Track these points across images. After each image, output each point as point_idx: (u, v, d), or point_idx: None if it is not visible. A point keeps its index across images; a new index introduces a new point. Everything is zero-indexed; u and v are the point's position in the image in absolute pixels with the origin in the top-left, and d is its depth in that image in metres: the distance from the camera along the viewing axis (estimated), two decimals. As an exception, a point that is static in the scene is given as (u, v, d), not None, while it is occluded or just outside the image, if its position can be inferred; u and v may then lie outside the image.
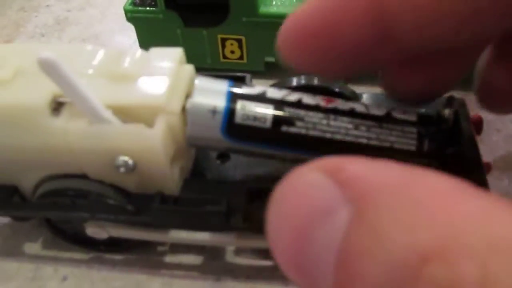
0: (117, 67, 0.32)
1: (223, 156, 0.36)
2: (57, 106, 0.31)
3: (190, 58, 0.34)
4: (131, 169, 0.31)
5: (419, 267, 0.12)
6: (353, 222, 0.14)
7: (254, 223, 0.31)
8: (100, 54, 0.34)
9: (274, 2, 0.48)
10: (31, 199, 0.36)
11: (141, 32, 0.51)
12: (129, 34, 0.58)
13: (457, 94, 0.40)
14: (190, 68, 0.33)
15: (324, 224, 0.14)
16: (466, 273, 0.11)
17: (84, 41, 0.59)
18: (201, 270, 0.37)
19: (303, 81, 0.34)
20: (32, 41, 0.59)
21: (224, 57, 0.51)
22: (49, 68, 0.27)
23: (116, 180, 0.33)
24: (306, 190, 0.15)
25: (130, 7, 0.49)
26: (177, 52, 0.33)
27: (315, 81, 0.34)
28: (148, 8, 0.49)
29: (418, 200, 0.13)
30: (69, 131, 0.31)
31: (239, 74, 0.37)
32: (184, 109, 0.31)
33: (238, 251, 0.37)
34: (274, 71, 0.50)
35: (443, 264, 0.11)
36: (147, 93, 0.31)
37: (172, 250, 0.38)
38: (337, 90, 0.34)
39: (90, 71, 0.32)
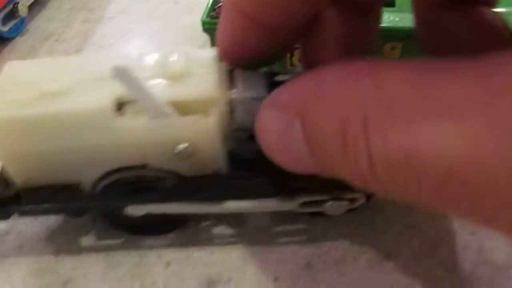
0: (170, 68, 0.36)
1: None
2: (119, 107, 0.35)
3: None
4: (189, 155, 0.36)
5: (340, 129, 0.21)
6: (302, 124, 0.23)
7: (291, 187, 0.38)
8: (151, 57, 0.38)
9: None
10: (92, 193, 0.39)
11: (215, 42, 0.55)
12: (191, 45, 0.62)
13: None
14: (223, 63, 0.37)
15: (290, 132, 0.24)
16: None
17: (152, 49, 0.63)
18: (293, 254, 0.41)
19: None
20: (101, 51, 0.63)
21: (292, 64, 0.56)
22: (122, 74, 0.32)
23: (173, 166, 0.37)
24: (267, 126, 0.26)
25: (208, 19, 0.53)
26: (214, 51, 0.37)
27: None
28: (224, 21, 0.53)
29: (322, 98, 0.23)
30: (135, 127, 0.35)
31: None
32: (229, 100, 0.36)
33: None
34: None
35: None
36: (201, 88, 0.35)
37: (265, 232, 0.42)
38: None
39: (148, 73, 0.36)
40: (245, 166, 0.38)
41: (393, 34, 0.52)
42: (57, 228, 0.45)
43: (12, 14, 0.67)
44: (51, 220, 0.45)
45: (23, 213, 0.41)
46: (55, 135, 0.35)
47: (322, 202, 0.40)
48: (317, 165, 0.25)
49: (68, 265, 0.42)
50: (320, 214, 0.41)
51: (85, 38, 0.67)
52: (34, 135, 0.35)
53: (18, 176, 0.38)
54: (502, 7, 0.49)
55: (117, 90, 0.34)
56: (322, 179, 0.31)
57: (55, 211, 0.41)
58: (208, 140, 0.35)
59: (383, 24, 0.52)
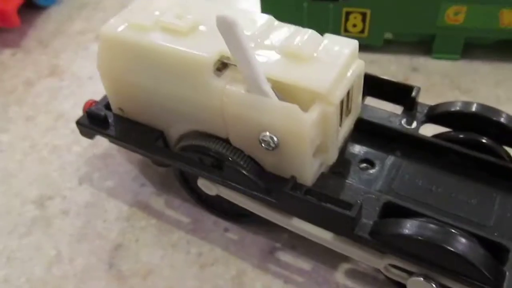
0: (291, 44, 0.32)
1: (368, 162, 0.36)
2: (221, 67, 0.32)
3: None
4: (273, 148, 0.31)
5: None
6: None
7: (380, 240, 0.30)
8: (274, 25, 0.34)
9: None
10: (173, 148, 0.36)
11: (267, 2, 0.52)
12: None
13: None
14: (361, 64, 0.33)
15: None
16: None
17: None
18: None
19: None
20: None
21: (346, 30, 0.52)
22: (225, 27, 0.28)
23: (255, 153, 0.33)
24: None
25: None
26: (353, 44, 0.33)
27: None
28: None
29: None
30: (226, 93, 0.31)
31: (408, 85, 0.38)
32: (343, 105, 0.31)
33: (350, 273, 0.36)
34: (390, 47, 0.52)
35: None
36: (312, 77, 0.30)
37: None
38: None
39: (263, 41, 0.33)
40: (335, 187, 0.32)
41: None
42: (104, 193, 0.42)
43: (48, -18, 0.65)
44: (97, 186, 0.43)
45: (110, 138, 0.39)
46: (154, 70, 0.34)
47: (410, 273, 0.31)
48: None
49: (117, 230, 0.39)
50: None
51: (123, 6, 0.64)
52: (138, 64, 0.34)
53: (113, 101, 0.38)
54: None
55: (226, 48, 0.30)
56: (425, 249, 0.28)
57: (134, 150, 0.39)
58: (298, 138, 0.30)
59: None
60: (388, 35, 0.53)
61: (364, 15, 0.51)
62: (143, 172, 0.43)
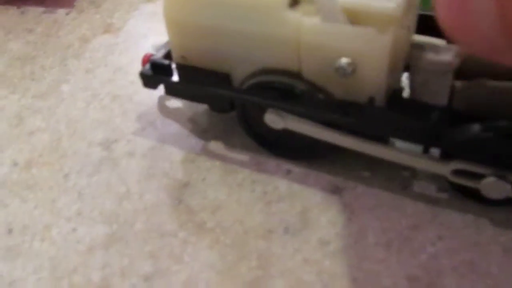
0: None
1: None
2: (294, 1, 0.34)
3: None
4: (349, 73, 0.33)
5: None
6: None
7: (459, 144, 0.33)
8: None
9: None
10: (240, 87, 0.38)
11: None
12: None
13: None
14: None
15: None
16: None
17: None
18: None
19: None
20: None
21: None
22: None
23: (329, 82, 0.34)
24: None
25: None
26: None
27: None
28: None
29: None
30: (303, 24, 0.33)
31: None
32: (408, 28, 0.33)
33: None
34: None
35: None
36: (382, 2, 0.32)
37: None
38: None
39: None
40: (408, 103, 0.34)
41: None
42: (168, 137, 0.44)
43: None
44: (160, 131, 0.45)
45: (170, 90, 0.41)
46: (224, 10, 0.35)
47: (480, 177, 0.33)
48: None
49: (184, 171, 0.41)
50: (475, 196, 0.35)
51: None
52: (203, 4, 0.35)
53: (177, 47, 0.39)
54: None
55: None
56: (491, 148, 0.30)
57: (200, 95, 0.41)
58: (376, 59, 0.32)
59: None
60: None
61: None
62: (204, 119, 0.45)
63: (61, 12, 0.60)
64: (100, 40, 0.56)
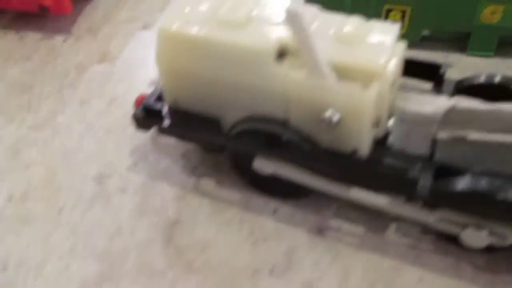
0: (343, 30, 0.35)
1: None
2: (281, 54, 0.35)
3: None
4: (334, 125, 0.34)
5: None
6: None
7: (439, 197, 0.34)
8: (323, 14, 0.37)
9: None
10: (229, 133, 0.39)
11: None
12: None
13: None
14: (402, 46, 0.36)
15: None
16: None
17: None
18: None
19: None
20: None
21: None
22: (294, 18, 0.31)
23: (315, 132, 0.36)
24: None
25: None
26: (396, 28, 0.36)
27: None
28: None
29: None
30: (289, 78, 0.34)
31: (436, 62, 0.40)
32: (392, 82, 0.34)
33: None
34: (427, 43, 0.55)
35: None
36: (368, 58, 0.34)
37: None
38: None
39: (316, 29, 0.36)
40: (391, 154, 0.36)
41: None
42: (159, 173, 0.45)
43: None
44: (152, 166, 0.46)
45: (163, 130, 0.42)
46: (214, 62, 0.36)
47: (462, 226, 0.35)
48: None
49: (174, 207, 0.42)
50: (456, 240, 0.37)
51: (167, -4, 0.67)
52: (195, 56, 0.37)
53: (170, 92, 0.40)
54: None
55: (285, 36, 0.33)
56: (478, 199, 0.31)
57: (191, 138, 0.43)
58: (359, 114, 0.34)
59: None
60: (425, 32, 0.55)
61: (404, 12, 0.53)
62: (195, 155, 0.46)
63: (58, 38, 0.62)
64: (97, 68, 0.57)
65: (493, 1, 0.51)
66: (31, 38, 0.62)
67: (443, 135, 0.35)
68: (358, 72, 0.33)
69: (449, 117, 0.35)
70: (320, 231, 0.40)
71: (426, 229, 0.38)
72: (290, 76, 0.34)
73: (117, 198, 0.43)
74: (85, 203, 0.43)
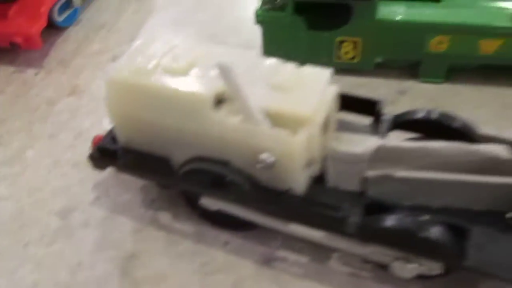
0: (275, 77, 0.38)
1: None
2: (219, 101, 0.38)
3: (307, 58, 0.41)
4: (270, 167, 0.37)
5: None
6: None
7: (367, 234, 0.37)
8: (260, 61, 0.40)
9: (390, 7, 0.54)
10: (177, 171, 0.41)
11: (268, 33, 0.57)
12: (238, 36, 0.65)
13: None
14: (333, 89, 0.39)
15: None
16: None
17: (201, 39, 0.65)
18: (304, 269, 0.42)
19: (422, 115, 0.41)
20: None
21: (338, 57, 0.58)
22: (225, 72, 0.34)
23: (254, 172, 0.38)
24: None
25: (261, 12, 0.55)
26: (327, 73, 0.39)
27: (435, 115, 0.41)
28: (277, 13, 0.55)
29: None
30: (226, 124, 0.37)
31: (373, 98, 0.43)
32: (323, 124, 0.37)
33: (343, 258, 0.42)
34: (380, 71, 0.57)
35: None
36: (297, 104, 0.36)
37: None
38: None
39: (252, 76, 0.38)
40: (324, 192, 0.39)
41: (439, 28, 0.53)
42: (119, 207, 0.48)
43: (67, 4, 0.70)
44: (112, 200, 0.48)
45: (120, 168, 0.45)
46: (158, 108, 0.39)
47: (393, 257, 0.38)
48: None
49: (131, 241, 0.45)
50: (386, 269, 0.39)
51: (137, 28, 0.70)
52: (141, 103, 0.40)
53: (122, 135, 0.43)
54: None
55: (222, 85, 0.36)
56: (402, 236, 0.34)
57: (143, 177, 0.45)
58: (290, 158, 0.36)
59: (430, 18, 0.53)
60: (378, 59, 0.58)
61: (355, 43, 0.56)
62: (153, 189, 0.48)
63: (30, 72, 0.64)
64: (65, 102, 0.60)
65: (440, 32, 0.54)
66: (4, 71, 0.65)
67: (372, 173, 0.37)
68: (288, 119, 0.36)
69: (378, 156, 0.38)
70: (267, 261, 0.42)
71: (366, 258, 0.41)
72: (227, 122, 0.37)
73: (80, 232, 0.46)
74: (49, 237, 0.46)
